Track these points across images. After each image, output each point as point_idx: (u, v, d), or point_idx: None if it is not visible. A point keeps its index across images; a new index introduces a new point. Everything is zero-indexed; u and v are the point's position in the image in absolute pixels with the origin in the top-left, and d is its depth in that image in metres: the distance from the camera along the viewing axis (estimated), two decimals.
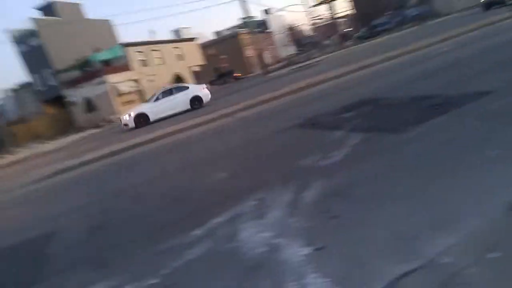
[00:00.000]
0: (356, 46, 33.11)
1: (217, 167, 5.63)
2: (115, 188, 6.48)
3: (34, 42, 35.27)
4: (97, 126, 29.84)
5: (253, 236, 3.06)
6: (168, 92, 17.26)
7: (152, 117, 16.72)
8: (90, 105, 33.18)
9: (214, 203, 4.12)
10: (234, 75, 45.77)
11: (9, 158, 21.51)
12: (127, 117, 16.90)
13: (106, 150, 11.21)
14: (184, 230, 3.52)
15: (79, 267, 3.52)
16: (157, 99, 17.07)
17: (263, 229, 3.12)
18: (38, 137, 29.63)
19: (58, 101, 34.81)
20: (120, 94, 32.80)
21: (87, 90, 33.16)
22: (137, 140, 11.51)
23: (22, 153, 22.85)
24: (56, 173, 9.95)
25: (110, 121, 30.68)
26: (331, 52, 34.95)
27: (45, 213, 6.11)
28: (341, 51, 33.27)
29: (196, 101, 17.10)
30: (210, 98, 17.99)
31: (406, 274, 2.10)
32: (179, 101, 16.95)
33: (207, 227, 3.46)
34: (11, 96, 43.54)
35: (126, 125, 16.94)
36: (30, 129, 31.19)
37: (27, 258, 4.23)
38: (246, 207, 3.68)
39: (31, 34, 34.95)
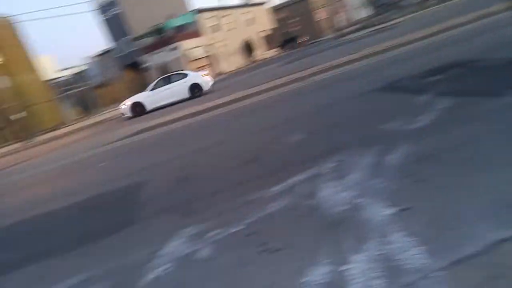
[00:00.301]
0: (442, 5, 29.89)
1: (295, 130, 5.60)
2: (194, 146, 6.84)
3: (114, 11, 37.58)
4: None
5: (334, 195, 3.06)
6: (166, 80, 16.68)
7: (148, 106, 16.32)
8: (164, 70, 34.84)
9: (293, 162, 4.16)
10: (301, 40, 44.32)
11: (94, 118, 23.70)
12: (124, 106, 16.62)
13: (180, 114, 11.80)
14: (263, 186, 3.64)
15: (167, 214, 3.84)
16: (155, 87, 16.56)
17: (344, 189, 3.11)
18: (118, 100, 32.09)
19: (135, 66, 37.08)
20: (192, 60, 33.88)
21: (161, 56, 34.74)
22: (210, 104, 11.92)
23: (105, 114, 25.02)
24: (139, 132, 10.81)
25: None
26: (412, 13, 32.02)
27: (132, 166, 6.67)
28: (424, 11, 30.29)
29: (196, 88, 16.29)
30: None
31: (505, 240, 1.97)
32: (178, 89, 16.29)
33: (286, 185, 3.54)
34: (95, 62, 47.29)
35: (123, 114, 16.80)
36: (111, 92, 33.77)
37: (119, 204, 4.68)
38: (326, 167, 3.67)
39: (112, 3, 37.25)
